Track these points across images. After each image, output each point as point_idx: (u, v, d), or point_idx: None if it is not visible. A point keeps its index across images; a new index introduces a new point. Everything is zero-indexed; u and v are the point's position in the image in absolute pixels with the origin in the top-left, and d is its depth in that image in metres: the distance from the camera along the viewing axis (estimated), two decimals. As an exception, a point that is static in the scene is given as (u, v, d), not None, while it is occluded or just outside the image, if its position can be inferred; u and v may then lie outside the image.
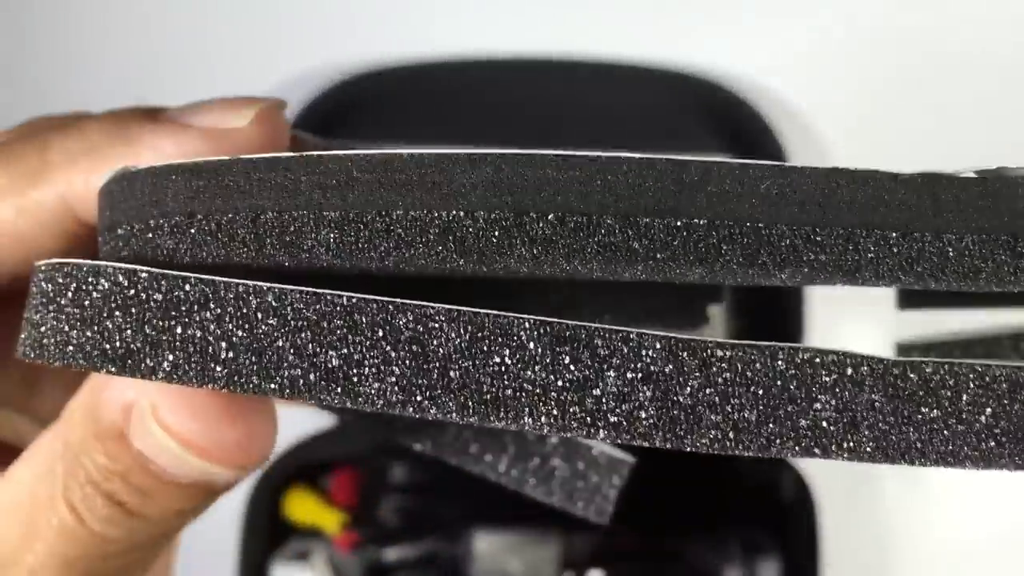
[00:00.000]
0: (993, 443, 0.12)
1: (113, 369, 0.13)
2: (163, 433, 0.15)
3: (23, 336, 0.14)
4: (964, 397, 0.12)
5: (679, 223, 0.13)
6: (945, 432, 0.12)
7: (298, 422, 0.48)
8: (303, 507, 0.50)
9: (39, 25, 0.52)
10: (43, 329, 0.14)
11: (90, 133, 0.17)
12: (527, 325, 0.12)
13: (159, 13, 0.52)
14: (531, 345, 0.12)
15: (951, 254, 0.13)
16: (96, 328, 0.13)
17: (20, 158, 0.17)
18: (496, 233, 0.13)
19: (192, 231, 0.14)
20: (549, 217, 0.13)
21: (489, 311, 0.13)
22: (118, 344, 0.13)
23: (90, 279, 0.13)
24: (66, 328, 0.13)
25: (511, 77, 0.50)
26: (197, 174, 0.14)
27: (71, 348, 0.13)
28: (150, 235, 0.14)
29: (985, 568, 0.52)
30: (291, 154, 0.13)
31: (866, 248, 0.13)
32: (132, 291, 0.13)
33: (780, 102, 0.49)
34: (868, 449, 0.12)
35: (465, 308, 0.13)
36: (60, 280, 0.14)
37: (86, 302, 0.13)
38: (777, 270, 0.13)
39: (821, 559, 0.47)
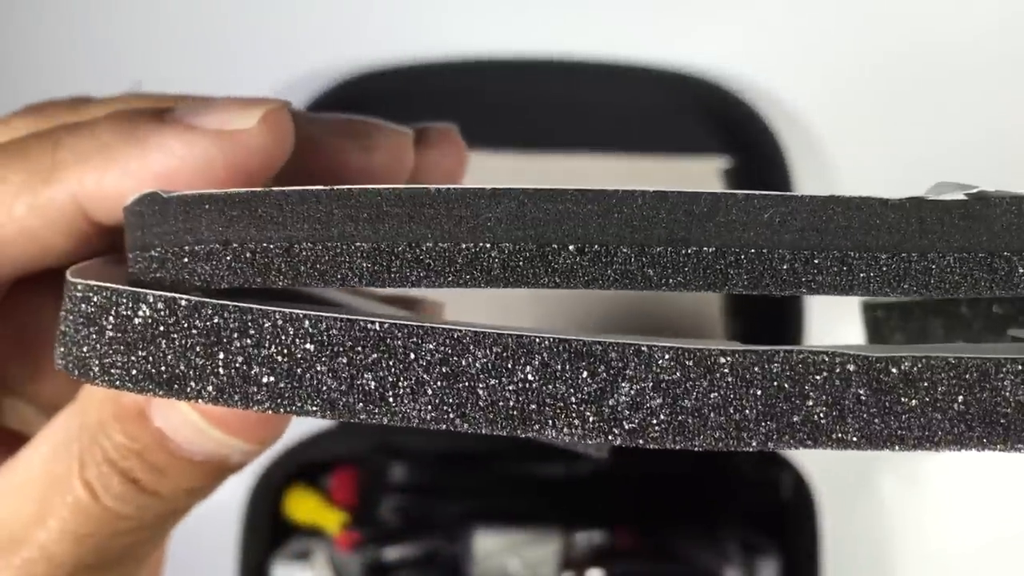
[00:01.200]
0: (964, 427, 0.13)
1: (160, 392, 0.14)
2: (188, 407, 0.16)
3: (61, 350, 0.14)
4: (940, 388, 0.13)
5: (689, 251, 0.14)
6: (922, 419, 0.13)
7: (298, 422, 0.48)
8: (304, 506, 0.50)
9: (48, 26, 0.52)
10: (85, 349, 0.14)
11: (100, 132, 0.17)
12: (547, 343, 0.13)
13: (164, 12, 0.52)
14: (551, 361, 0.13)
15: (934, 271, 0.14)
16: (141, 353, 0.14)
17: (33, 156, 0.17)
18: (520, 263, 0.14)
19: (228, 258, 0.14)
20: (570, 248, 0.14)
21: (512, 331, 0.13)
22: (163, 369, 0.14)
23: (131, 305, 0.14)
24: (110, 351, 0.14)
25: (512, 77, 0.50)
26: (230, 204, 0.14)
27: (116, 371, 0.14)
28: (186, 259, 0.15)
29: (985, 568, 0.52)
30: (322, 187, 0.14)
31: (859, 269, 0.14)
32: (172, 319, 0.14)
33: (779, 102, 0.49)
34: (854, 439, 0.13)
35: (489, 329, 0.13)
36: (97, 302, 0.14)
37: (128, 327, 0.14)
38: (778, 290, 0.14)
39: (821, 559, 0.47)
